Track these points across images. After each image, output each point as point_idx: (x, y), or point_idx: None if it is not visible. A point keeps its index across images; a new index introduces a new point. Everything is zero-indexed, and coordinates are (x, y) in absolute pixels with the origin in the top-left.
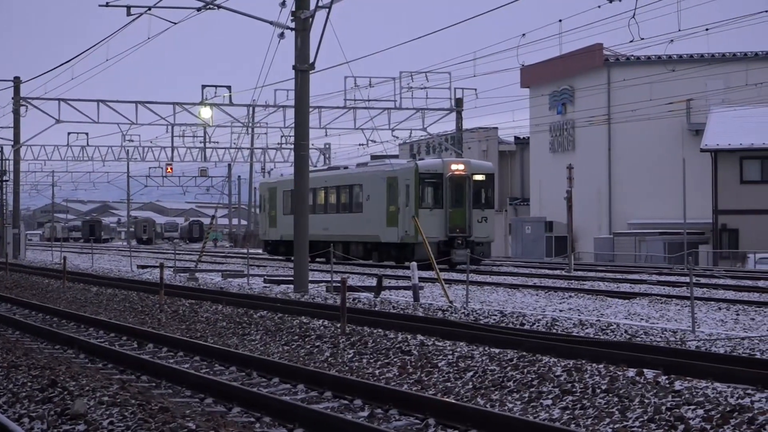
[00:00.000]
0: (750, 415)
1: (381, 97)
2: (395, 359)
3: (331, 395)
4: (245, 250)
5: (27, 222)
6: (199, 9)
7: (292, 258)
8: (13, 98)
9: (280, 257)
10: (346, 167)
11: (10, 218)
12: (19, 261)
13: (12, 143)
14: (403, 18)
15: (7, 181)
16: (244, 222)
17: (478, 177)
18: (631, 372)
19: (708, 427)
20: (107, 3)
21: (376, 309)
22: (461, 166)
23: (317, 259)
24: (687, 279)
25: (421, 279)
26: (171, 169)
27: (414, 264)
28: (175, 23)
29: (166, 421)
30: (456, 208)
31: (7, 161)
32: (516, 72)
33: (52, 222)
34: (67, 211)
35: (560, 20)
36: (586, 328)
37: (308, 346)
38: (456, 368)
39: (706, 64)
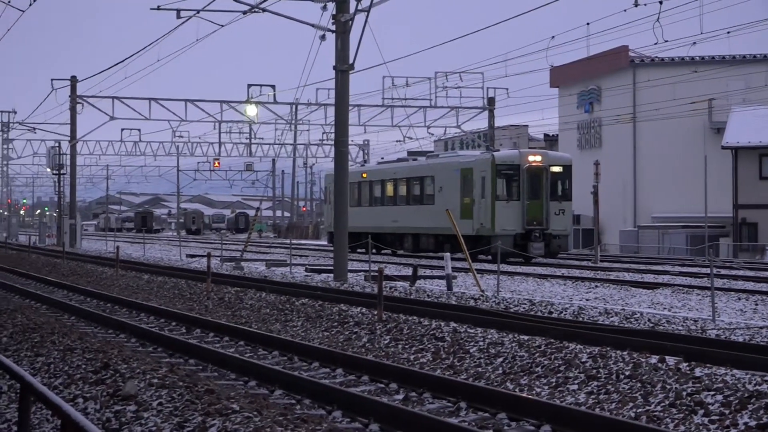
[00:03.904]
0: (767, 400)
1: (417, 96)
2: (429, 345)
3: (368, 379)
4: (288, 241)
5: (83, 213)
6: (245, 12)
7: (361, 250)
8: (70, 96)
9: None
10: (416, 158)
11: (67, 209)
12: (75, 250)
13: (69, 139)
14: (437, 21)
15: (64, 174)
16: (287, 214)
17: (556, 168)
18: (653, 359)
19: (726, 412)
20: (158, 6)
21: (412, 297)
22: (538, 158)
23: (383, 251)
24: (708, 270)
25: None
26: (218, 163)
27: (447, 255)
28: (222, 26)
29: (212, 403)
30: (533, 200)
31: (65, 156)
32: (545, 72)
33: (106, 213)
34: (120, 203)
35: (588, 23)
36: (611, 317)
37: (347, 332)
38: (487, 354)
39: (727, 65)
